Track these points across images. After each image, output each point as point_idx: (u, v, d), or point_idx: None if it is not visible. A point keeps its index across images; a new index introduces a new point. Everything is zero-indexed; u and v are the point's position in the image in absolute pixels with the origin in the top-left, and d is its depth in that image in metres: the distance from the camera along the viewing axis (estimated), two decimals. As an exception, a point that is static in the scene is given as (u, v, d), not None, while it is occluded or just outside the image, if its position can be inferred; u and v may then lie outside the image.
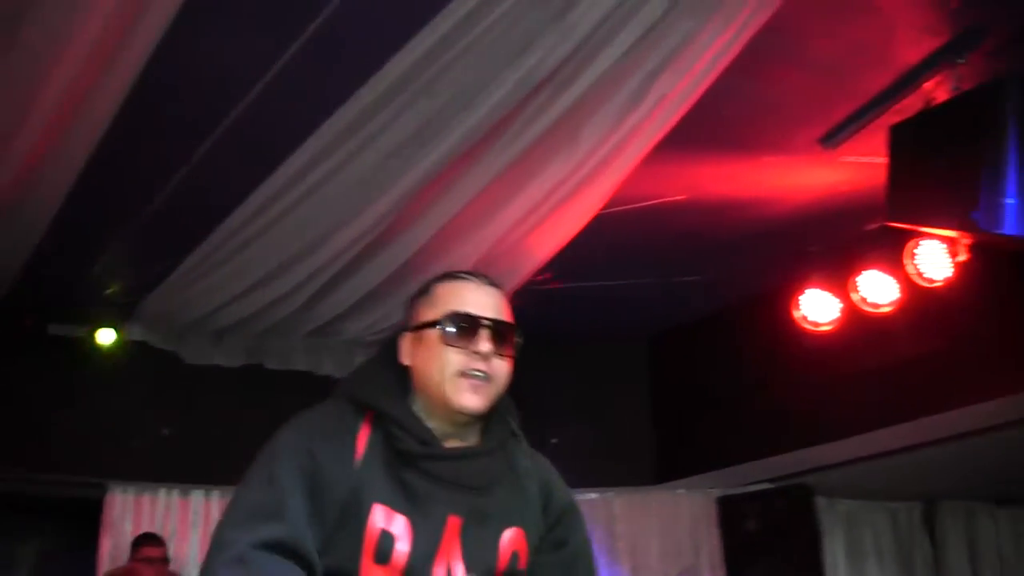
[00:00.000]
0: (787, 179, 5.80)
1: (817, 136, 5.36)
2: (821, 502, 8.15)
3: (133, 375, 7.42)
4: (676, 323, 7.98)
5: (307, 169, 5.27)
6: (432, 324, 2.37)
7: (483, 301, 2.41)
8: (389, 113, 4.81)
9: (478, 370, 2.33)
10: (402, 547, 2.24)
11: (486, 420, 2.41)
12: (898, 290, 6.00)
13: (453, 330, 2.34)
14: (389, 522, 2.24)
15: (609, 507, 8.18)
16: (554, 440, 7.28)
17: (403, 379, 2.42)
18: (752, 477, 7.79)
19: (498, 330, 2.37)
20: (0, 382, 7.05)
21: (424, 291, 2.47)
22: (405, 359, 2.43)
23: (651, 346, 8.41)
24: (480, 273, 2.49)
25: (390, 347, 2.48)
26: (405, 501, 2.26)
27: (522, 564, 2.41)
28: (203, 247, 6.11)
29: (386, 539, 2.23)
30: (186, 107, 4.93)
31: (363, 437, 2.31)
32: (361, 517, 2.22)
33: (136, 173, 5.51)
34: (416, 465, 2.29)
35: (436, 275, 2.50)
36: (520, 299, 6.34)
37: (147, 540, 6.73)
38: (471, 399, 2.32)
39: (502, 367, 2.37)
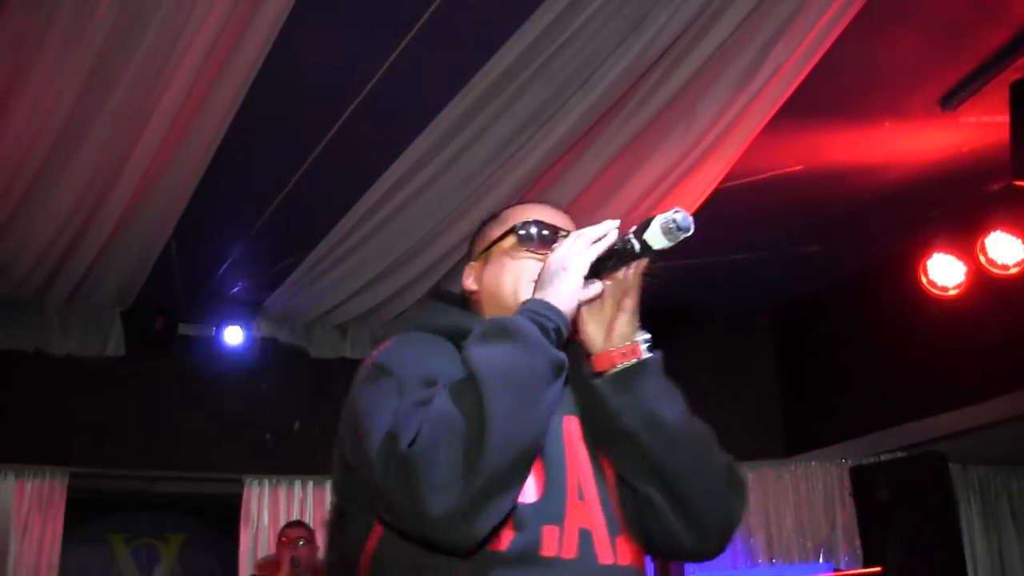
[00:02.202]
0: (907, 143, 5.69)
1: (936, 98, 5.26)
2: (955, 469, 8.00)
3: (262, 371, 7.55)
4: (800, 294, 7.88)
5: (423, 161, 5.32)
6: (505, 235, 2.25)
7: (557, 217, 2.29)
8: (503, 101, 4.84)
9: None
10: None
11: None
12: (1026, 250, 5.90)
13: (532, 233, 2.21)
14: None
15: (742, 481, 8.06)
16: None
17: (465, 307, 2.24)
18: (884, 446, 7.68)
19: None
20: (134, 384, 7.24)
21: (493, 217, 2.35)
22: (470, 285, 2.28)
23: (776, 319, 8.33)
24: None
25: (437, 289, 2.33)
26: None
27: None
28: (324, 243, 6.21)
29: None
30: (301, 107, 5.00)
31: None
32: None
33: (256, 174, 5.61)
34: None
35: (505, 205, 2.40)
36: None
37: (288, 525, 6.76)
38: None
39: None
